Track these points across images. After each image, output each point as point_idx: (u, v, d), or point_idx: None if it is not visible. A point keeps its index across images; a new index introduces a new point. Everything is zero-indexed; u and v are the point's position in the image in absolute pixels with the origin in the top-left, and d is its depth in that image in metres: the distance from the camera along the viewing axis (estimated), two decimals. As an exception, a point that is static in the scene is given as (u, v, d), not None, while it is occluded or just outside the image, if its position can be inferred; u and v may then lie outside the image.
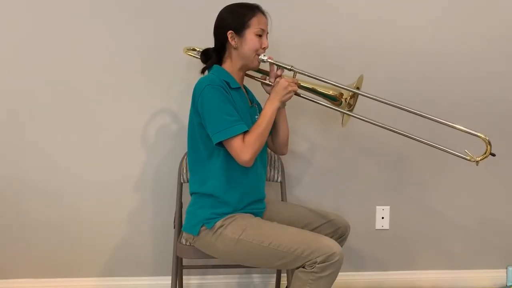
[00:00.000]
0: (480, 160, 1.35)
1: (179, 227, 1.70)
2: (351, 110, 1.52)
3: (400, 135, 1.44)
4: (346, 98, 1.50)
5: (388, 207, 2.02)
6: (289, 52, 1.82)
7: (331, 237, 1.44)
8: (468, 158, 1.36)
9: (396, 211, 2.02)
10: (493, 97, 1.95)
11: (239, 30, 1.44)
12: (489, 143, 1.32)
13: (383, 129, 1.46)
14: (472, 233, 2.06)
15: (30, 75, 1.79)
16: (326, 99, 1.53)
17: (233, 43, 1.45)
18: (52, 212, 1.89)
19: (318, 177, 1.97)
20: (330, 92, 1.51)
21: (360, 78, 1.53)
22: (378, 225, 2.02)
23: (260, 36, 1.45)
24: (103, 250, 1.95)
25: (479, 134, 1.33)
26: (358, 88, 1.51)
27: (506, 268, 2.09)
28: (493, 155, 1.33)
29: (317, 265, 1.30)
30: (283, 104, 1.47)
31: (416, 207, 2.02)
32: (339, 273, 1.34)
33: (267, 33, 1.50)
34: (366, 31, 1.87)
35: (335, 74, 1.83)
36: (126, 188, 1.90)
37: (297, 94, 1.50)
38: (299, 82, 1.50)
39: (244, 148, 1.35)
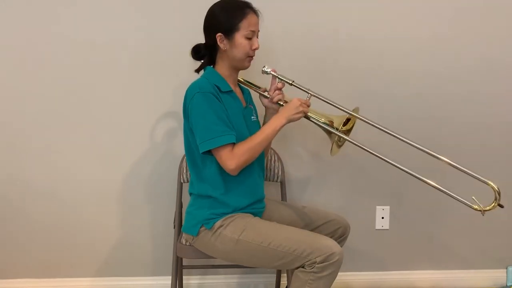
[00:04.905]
0: (489, 210, 1.29)
1: (179, 227, 1.70)
2: (346, 134, 1.47)
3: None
4: (337, 128, 1.45)
5: (388, 207, 2.01)
6: (281, 52, 1.83)
7: (331, 237, 1.43)
8: (475, 207, 1.31)
9: (396, 211, 2.02)
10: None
11: (229, 33, 1.40)
12: (499, 193, 1.27)
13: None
14: (472, 233, 2.05)
15: (31, 76, 1.79)
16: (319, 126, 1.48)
17: (222, 45, 1.43)
18: (52, 212, 1.89)
19: (318, 177, 1.97)
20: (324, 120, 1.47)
21: (356, 110, 1.48)
22: (378, 225, 2.02)
23: (250, 38, 1.42)
24: (103, 250, 1.95)
25: (489, 182, 1.28)
26: (349, 119, 1.46)
27: (506, 268, 2.09)
28: (501, 206, 1.28)
29: (316, 265, 1.29)
30: (287, 123, 1.41)
31: (416, 207, 2.02)
32: (339, 273, 1.34)
33: (258, 31, 1.46)
34: (360, 33, 1.86)
35: (326, 76, 1.87)
36: (126, 188, 1.90)
37: (306, 117, 1.46)
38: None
39: (231, 157, 1.34)
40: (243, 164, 1.36)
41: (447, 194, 1.35)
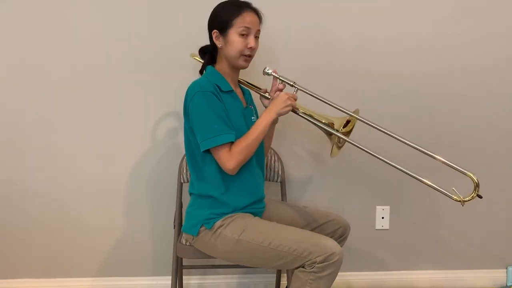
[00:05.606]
0: (468, 200, 1.30)
1: (179, 227, 1.70)
2: (346, 136, 1.47)
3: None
4: (337, 130, 1.45)
5: (388, 207, 2.02)
6: (281, 53, 1.83)
7: (331, 237, 1.43)
8: (455, 197, 1.31)
9: (396, 211, 2.02)
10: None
11: (223, 29, 1.41)
12: (478, 184, 1.28)
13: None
14: (472, 233, 2.05)
15: (31, 76, 1.79)
16: (319, 127, 1.49)
17: (217, 43, 1.44)
18: (52, 212, 1.89)
19: (318, 177, 1.97)
20: (323, 121, 1.48)
21: (356, 112, 1.48)
22: (378, 225, 2.02)
23: (245, 35, 1.41)
24: (103, 250, 1.95)
25: (468, 173, 1.30)
26: (349, 121, 1.46)
27: (506, 268, 2.09)
28: (480, 197, 1.30)
29: (316, 265, 1.30)
30: (278, 117, 1.43)
31: (416, 207, 2.02)
32: (339, 273, 1.34)
33: (258, 30, 1.45)
34: (362, 32, 1.86)
35: (327, 77, 1.87)
36: (126, 188, 1.90)
37: (293, 111, 1.47)
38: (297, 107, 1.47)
39: (229, 157, 1.35)
40: (241, 162, 1.37)
41: (429, 185, 1.36)
